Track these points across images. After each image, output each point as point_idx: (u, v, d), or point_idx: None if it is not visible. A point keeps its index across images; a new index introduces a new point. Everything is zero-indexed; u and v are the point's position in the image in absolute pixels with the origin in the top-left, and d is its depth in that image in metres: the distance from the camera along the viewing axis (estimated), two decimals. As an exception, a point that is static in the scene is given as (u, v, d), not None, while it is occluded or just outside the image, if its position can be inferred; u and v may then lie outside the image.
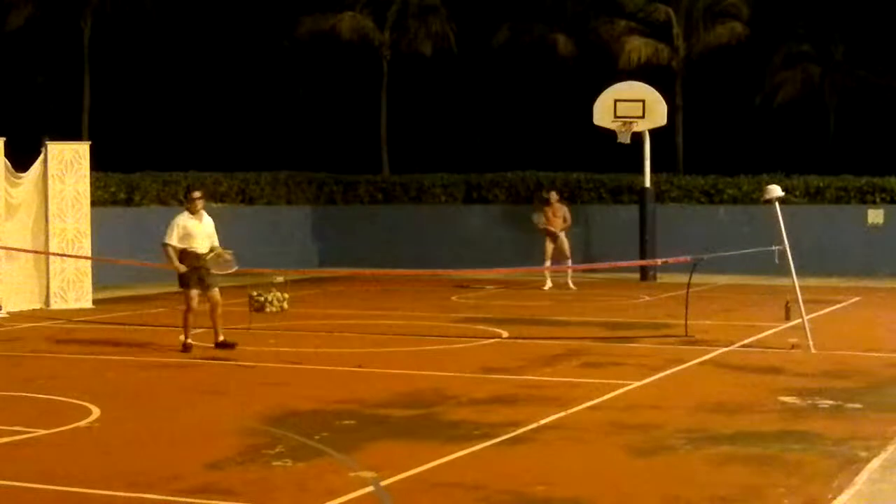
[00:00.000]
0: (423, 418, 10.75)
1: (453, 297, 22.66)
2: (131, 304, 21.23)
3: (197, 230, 14.79)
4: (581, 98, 27.92)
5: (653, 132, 26.33)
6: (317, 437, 9.80)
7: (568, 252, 24.31)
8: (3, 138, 19.96)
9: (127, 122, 39.30)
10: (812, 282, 22.64)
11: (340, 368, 13.86)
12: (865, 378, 13.01)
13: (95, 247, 21.29)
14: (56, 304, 20.58)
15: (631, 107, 25.80)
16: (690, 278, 17.06)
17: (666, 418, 10.70)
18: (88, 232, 21.03)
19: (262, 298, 19.22)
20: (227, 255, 15.00)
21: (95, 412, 10.96)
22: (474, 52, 37.87)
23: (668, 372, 13.49)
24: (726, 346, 15.42)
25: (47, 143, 21.09)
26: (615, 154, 27.31)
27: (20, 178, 20.43)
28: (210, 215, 15.35)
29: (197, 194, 15.14)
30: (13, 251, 20.09)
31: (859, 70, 37.17)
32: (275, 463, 8.98)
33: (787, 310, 17.33)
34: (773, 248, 15.74)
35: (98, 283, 21.68)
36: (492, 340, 16.42)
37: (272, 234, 29.11)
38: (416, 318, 19.24)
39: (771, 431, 10.14)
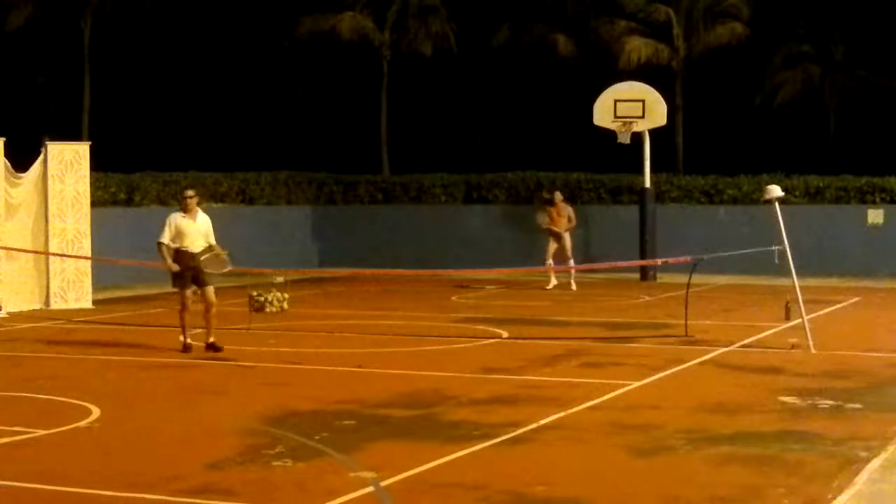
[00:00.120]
0: (423, 418, 10.75)
1: (453, 298, 22.66)
2: (131, 305, 21.23)
3: (189, 229, 14.74)
4: (581, 98, 27.92)
5: (653, 132, 26.33)
6: (317, 438, 9.80)
7: (570, 253, 24.32)
8: (3, 138, 19.96)
9: (127, 122, 39.30)
10: (812, 282, 22.64)
11: (340, 369, 13.86)
12: (865, 378, 13.01)
13: (95, 247, 21.30)
14: (56, 305, 20.58)
15: (631, 107, 25.80)
16: (690, 278, 17.06)
17: (666, 418, 10.70)
18: (88, 232, 21.03)
19: (262, 298, 19.21)
20: (223, 255, 14.98)
21: (95, 412, 10.96)
22: (474, 53, 37.87)
23: (668, 372, 13.49)
24: (726, 346, 15.42)
25: (47, 143, 21.10)
26: (615, 154, 27.31)
27: (20, 178, 20.43)
28: (210, 215, 15.33)
29: (189, 193, 15.09)
30: (13, 251, 20.09)
31: (859, 70, 37.17)
32: (275, 463, 8.99)
33: (787, 310, 17.33)
34: (773, 248, 15.74)
35: (98, 284, 21.68)
36: (492, 340, 16.42)
37: (272, 234, 29.10)
38: (416, 319, 19.24)
39: (771, 431, 10.15)
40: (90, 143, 21.98)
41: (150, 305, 20.83)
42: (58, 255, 20.60)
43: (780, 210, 15.45)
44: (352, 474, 8.61)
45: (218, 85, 40.94)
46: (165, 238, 14.77)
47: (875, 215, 27.14)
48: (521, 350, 15.44)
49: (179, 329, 15.10)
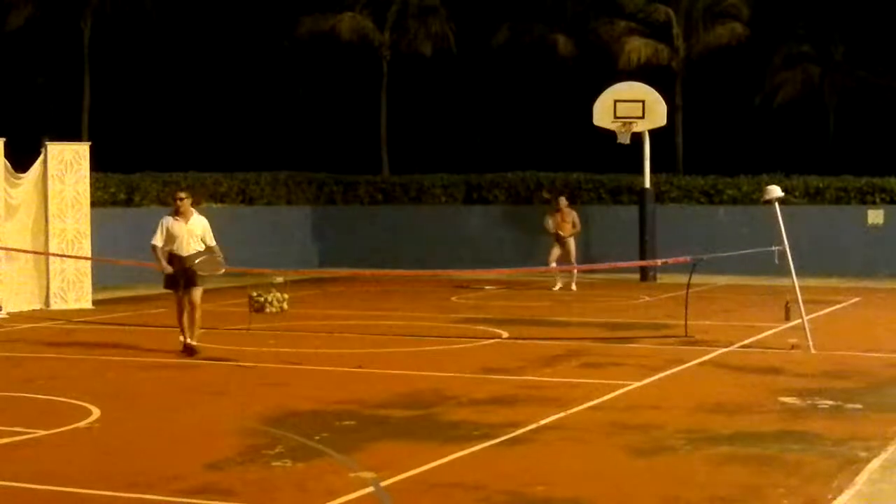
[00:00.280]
0: (423, 419, 10.75)
1: (453, 298, 22.66)
2: (131, 305, 21.23)
3: (180, 232, 14.67)
4: (581, 98, 27.92)
5: (652, 132, 26.33)
6: (317, 438, 9.80)
7: (573, 258, 24.34)
8: (3, 139, 19.96)
9: (127, 123, 39.31)
10: (812, 282, 22.63)
11: (340, 369, 13.86)
12: (865, 378, 13.01)
13: (95, 247, 21.29)
14: (56, 305, 20.58)
15: (631, 107, 25.80)
16: (690, 279, 17.06)
17: (666, 419, 10.70)
18: (88, 232, 21.03)
19: (262, 299, 19.14)
20: (219, 258, 14.93)
21: (95, 412, 10.96)
22: (474, 53, 37.88)
23: (667, 372, 13.49)
24: (726, 347, 15.43)
25: (47, 143, 21.10)
26: (615, 154, 27.31)
27: (20, 178, 20.43)
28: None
29: (181, 195, 15.02)
30: (13, 252, 20.09)
31: (859, 70, 37.19)
32: (275, 463, 8.99)
33: (787, 310, 17.32)
34: (773, 248, 15.75)
35: (98, 284, 21.68)
36: (492, 341, 16.42)
37: (272, 234, 29.11)
38: (415, 319, 19.24)
39: (770, 432, 10.15)
40: (90, 143, 21.98)
41: (150, 306, 20.82)
42: (58, 255, 20.60)
43: (780, 210, 15.45)
44: (352, 474, 8.61)
45: (218, 85, 40.94)
46: (158, 241, 14.75)
47: (875, 215, 27.14)
48: (521, 350, 15.44)
49: (179, 330, 15.08)
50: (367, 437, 9.89)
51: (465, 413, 10.99)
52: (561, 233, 24.39)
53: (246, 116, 41.10)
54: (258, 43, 40.05)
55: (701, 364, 14.17)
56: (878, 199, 27.40)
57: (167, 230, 14.71)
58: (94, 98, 36.16)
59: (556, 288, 24.37)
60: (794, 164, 29.72)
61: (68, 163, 20.93)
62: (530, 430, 10.19)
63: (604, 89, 26.34)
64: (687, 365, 14.02)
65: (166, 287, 15.04)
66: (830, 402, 11.47)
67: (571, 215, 24.63)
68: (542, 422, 10.52)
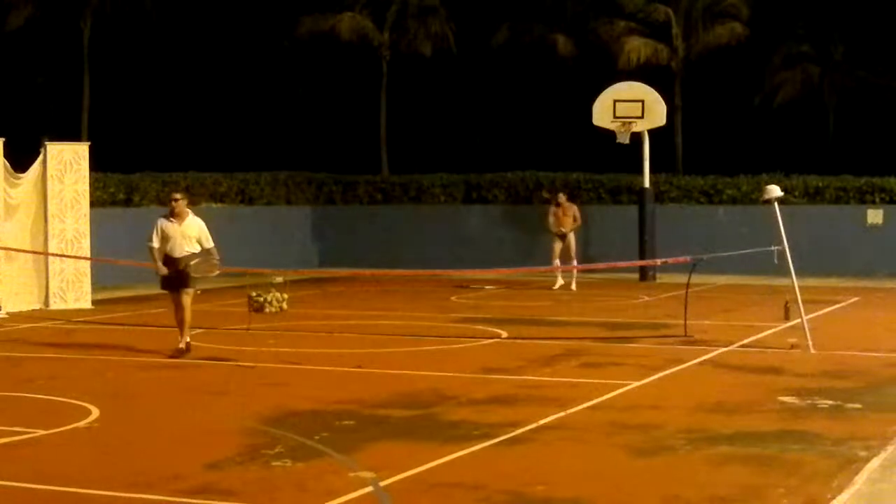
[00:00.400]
0: (423, 418, 10.75)
1: (453, 298, 22.67)
2: (131, 305, 21.23)
3: (173, 233, 14.63)
4: (580, 98, 27.92)
5: (652, 132, 26.33)
6: (317, 437, 9.81)
7: (574, 253, 24.37)
8: (3, 138, 19.96)
9: (127, 122, 39.29)
10: (811, 282, 22.63)
11: (340, 369, 13.86)
12: (865, 378, 13.01)
13: (95, 247, 21.29)
14: (55, 305, 20.58)
15: (630, 107, 25.81)
16: (690, 278, 17.06)
17: (665, 418, 10.70)
18: (88, 232, 21.03)
19: (262, 299, 19.13)
20: (214, 259, 14.89)
21: (95, 412, 10.96)
22: (474, 53, 37.87)
23: (667, 372, 13.50)
24: (726, 346, 15.43)
25: (46, 143, 21.10)
26: (615, 154, 27.31)
27: (19, 178, 20.43)
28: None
29: (175, 196, 14.99)
30: (13, 251, 20.09)
31: (859, 70, 37.17)
32: (275, 463, 8.99)
33: (787, 310, 17.31)
34: (773, 248, 15.75)
35: (97, 284, 21.68)
36: (491, 340, 16.42)
37: (272, 234, 29.11)
38: (415, 319, 19.25)
39: (770, 431, 10.15)
40: (89, 143, 21.98)
41: (149, 306, 20.81)
42: (57, 255, 20.60)
43: (780, 210, 15.46)
44: (351, 474, 8.61)
45: (217, 85, 40.93)
46: (154, 241, 14.75)
47: (874, 215, 27.14)
48: (521, 350, 15.44)
49: (178, 330, 15.07)
50: (367, 437, 9.90)
51: (465, 413, 10.99)
52: (563, 228, 24.42)
53: (246, 116, 41.08)
54: (258, 43, 40.04)
55: (700, 364, 14.18)
56: (877, 199, 27.40)
57: (162, 231, 14.70)
58: (94, 98, 36.15)
59: (557, 286, 24.38)
60: (793, 163, 29.72)
61: (68, 163, 20.93)
62: (530, 430, 10.19)
63: (603, 89, 26.35)
64: (686, 364, 14.02)
65: (163, 288, 15.04)
66: (830, 402, 11.47)
67: (572, 209, 24.68)
68: (542, 421, 10.52)
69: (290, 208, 30.55)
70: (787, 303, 17.19)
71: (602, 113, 26.04)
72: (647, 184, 26.66)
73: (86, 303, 20.90)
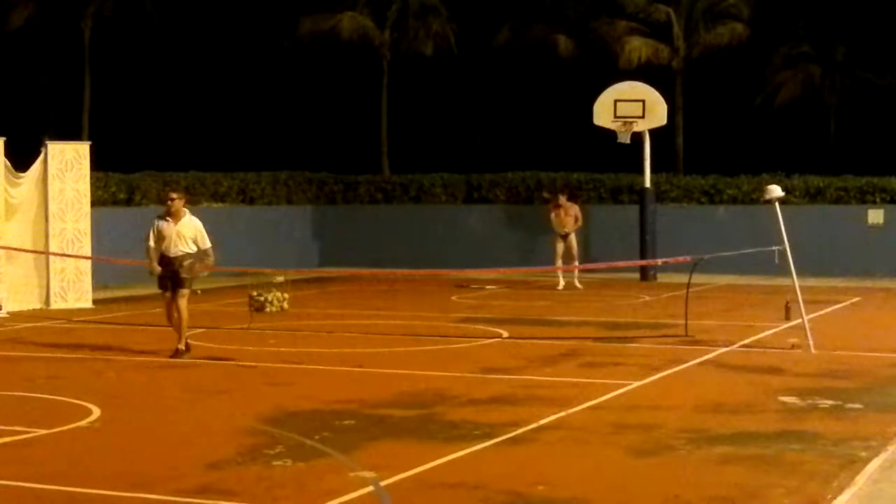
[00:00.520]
0: (423, 418, 10.75)
1: (453, 297, 22.66)
2: (131, 304, 21.22)
3: (168, 232, 14.57)
4: (581, 98, 27.91)
5: (653, 132, 26.32)
6: (317, 437, 9.81)
7: (576, 252, 24.36)
8: (3, 138, 19.96)
9: (127, 122, 39.32)
10: (812, 282, 22.63)
11: (340, 369, 13.86)
12: (865, 378, 13.01)
13: (95, 247, 21.30)
14: (56, 304, 20.58)
15: (631, 107, 25.80)
16: (690, 278, 17.07)
17: (666, 418, 10.70)
18: (88, 232, 21.03)
19: (262, 298, 19.16)
20: (208, 261, 14.83)
21: (95, 412, 10.96)
22: (475, 53, 37.88)
23: (667, 372, 13.49)
24: (726, 346, 15.42)
25: (47, 143, 21.10)
26: (615, 154, 27.30)
27: (20, 178, 20.43)
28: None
29: (171, 195, 14.88)
30: (13, 251, 20.09)
31: (859, 70, 37.18)
32: (275, 463, 8.99)
33: (788, 310, 17.34)
34: (774, 248, 15.75)
35: (98, 283, 21.68)
36: (492, 340, 16.42)
37: (272, 234, 29.11)
38: (416, 318, 19.24)
39: (770, 431, 10.15)
40: (90, 142, 21.98)
41: (150, 305, 20.77)
42: (58, 254, 20.60)
43: (781, 210, 15.45)
44: (352, 474, 8.61)
45: (218, 85, 40.95)
46: (150, 240, 14.74)
47: (875, 215, 27.13)
48: (521, 350, 15.44)
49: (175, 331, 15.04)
50: (367, 437, 9.90)
51: (465, 413, 10.99)
52: (566, 229, 24.42)
53: (246, 116, 41.10)
54: (258, 43, 40.05)
55: (701, 364, 14.17)
56: (878, 199, 27.38)
57: (158, 230, 14.68)
58: (95, 97, 36.17)
59: (560, 287, 24.37)
60: (794, 163, 29.70)
61: (69, 162, 20.93)
62: (530, 430, 10.19)
63: (604, 89, 26.33)
64: (687, 364, 14.02)
65: (159, 287, 15.02)
66: (831, 402, 11.47)
67: (573, 209, 24.66)
68: (542, 421, 10.52)
69: (291, 208, 30.54)
70: (787, 303, 17.21)
71: (603, 113, 26.04)
72: (647, 184, 26.65)
73: (86, 302, 20.90)
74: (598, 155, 29.58)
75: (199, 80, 40.66)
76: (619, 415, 10.94)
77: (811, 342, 14.91)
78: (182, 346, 14.59)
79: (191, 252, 14.56)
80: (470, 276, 25.82)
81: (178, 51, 39.53)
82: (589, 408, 11.31)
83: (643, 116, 25.77)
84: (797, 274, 15.41)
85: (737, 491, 8.21)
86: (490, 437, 9.86)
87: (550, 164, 31.11)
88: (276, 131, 41.23)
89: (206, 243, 14.65)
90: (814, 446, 9.55)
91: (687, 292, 16.91)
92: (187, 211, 14.83)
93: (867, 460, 9.05)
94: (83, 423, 10.53)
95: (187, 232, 14.56)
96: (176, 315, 14.62)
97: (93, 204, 21.46)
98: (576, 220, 24.58)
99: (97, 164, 22.35)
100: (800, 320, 15.33)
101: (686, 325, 16.51)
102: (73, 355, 14.99)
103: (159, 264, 14.64)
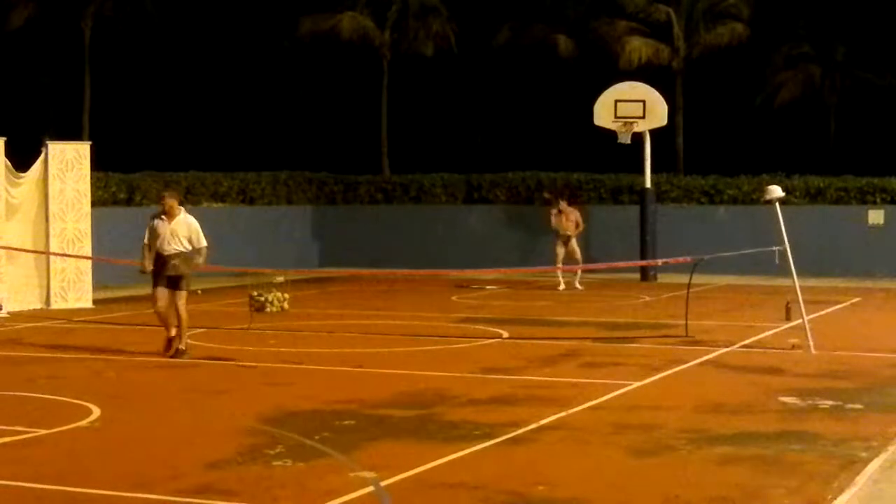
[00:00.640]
0: (423, 418, 10.75)
1: (453, 297, 22.66)
2: (131, 304, 21.21)
3: (162, 231, 14.57)
4: (581, 98, 27.92)
5: (653, 132, 26.33)
6: (317, 437, 9.81)
7: (579, 256, 24.29)
8: (4, 138, 19.97)
9: (127, 122, 39.31)
10: (812, 282, 22.64)
11: (340, 369, 13.86)
12: (865, 378, 13.01)
13: (95, 247, 21.30)
14: (56, 304, 20.58)
15: (631, 107, 25.80)
16: (690, 278, 17.07)
17: (666, 418, 10.70)
18: (88, 232, 21.03)
19: (263, 298, 19.22)
20: (198, 259, 14.81)
21: (95, 412, 10.96)
22: (475, 53, 37.88)
23: (668, 372, 13.49)
24: (726, 347, 15.42)
25: (48, 142, 21.10)
26: (615, 154, 27.31)
27: (21, 178, 20.44)
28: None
29: (163, 194, 15.00)
30: (14, 251, 20.09)
31: (859, 70, 37.18)
32: (275, 463, 8.99)
33: (788, 310, 17.34)
34: (774, 248, 15.75)
35: (98, 283, 21.68)
36: (492, 340, 16.42)
37: (272, 234, 29.11)
38: (416, 318, 19.24)
39: (771, 432, 10.15)
40: (91, 142, 21.99)
41: (150, 305, 20.74)
42: (58, 254, 20.61)
43: (781, 210, 15.45)
44: (352, 474, 8.61)
45: (218, 85, 40.95)
46: (145, 239, 14.80)
47: (875, 216, 27.14)
48: (521, 350, 15.44)
49: (172, 330, 14.99)
50: (367, 437, 9.90)
51: (465, 413, 10.99)
52: (568, 233, 24.38)
53: (246, 116, 41.09)
54: (258, 43, 40.05)
55: (701, 364, 14.17)
56: (878, 200, 27.39)
57: (152, 229, 14.71)
58: (95, 97, 36.17)
59: (561, 288, 24.35)
60: (794, 164, 29.72)
61: (69, 162, 20.93)
62: (530, 430, 10.19)
63: (604, 89, 26.34)
64: (687, 365, 14.02)
65: (154, 286, 15.00)
66: (830, 402, 11.47)
67: (574, 214, 24.62)
68: (543, 422, 10.52)
69: (291, 208, 30.55)
70: (788, 303, 17.21)
71: (603, 113, 26.04)
72: (648, 184, 26.65)
73: (87, 302, 20.90)
74: (599, 155, 29.59)
75: (198, 80, 40.66)
76: (619, 415, 10.94)
77: (811, 342, 14.91)
78: (182, 346, 14.60)
79: (184, 251, 14.57)
80: (470, 277, 25.83)
81: (178, 51, 39.53)
82: (589, 408, 11.31)
83: (643, 117, 25.78)
84: (797, 274, 15.42)
85: (737, 491, 8.21)
86: (490, 437, 9.86)
87: (551, 164, 31.12)
88: (276, 131, 41.23)
89: (202, 242, 14.62)
90: (814, 447, 9.55)
91: (687, 292, 16.91)
92: (182, 210, 14.84)
93: (867, 461, 9.05)
94: (83, 423, 10.53)
95: (181, 230, 14.56)
96: (174, 316, 14.61)
97: (93, 204, 21.47)
98: (577, 225, 24.50)
99: (97, 164, 22.36)
100: (800, 321, 15.33)
101: (686, 325, 16.52)
102: (74, 355, 14.99)
103: (155, 263, 14.65)
